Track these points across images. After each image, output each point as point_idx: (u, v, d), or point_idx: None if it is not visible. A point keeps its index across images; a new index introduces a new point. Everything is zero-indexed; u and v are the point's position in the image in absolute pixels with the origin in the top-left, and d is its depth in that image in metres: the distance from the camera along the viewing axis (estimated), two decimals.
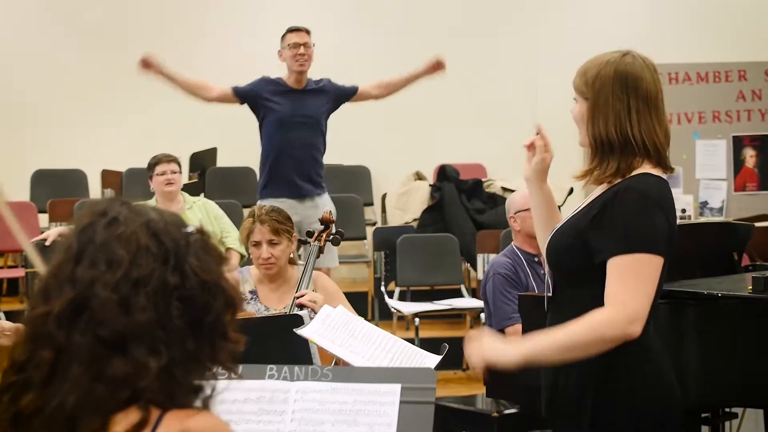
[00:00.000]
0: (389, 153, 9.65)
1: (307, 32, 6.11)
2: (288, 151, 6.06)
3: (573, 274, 2.59)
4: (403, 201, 8.91)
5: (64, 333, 1.41)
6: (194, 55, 9.55)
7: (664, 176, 2.59)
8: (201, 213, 6.28)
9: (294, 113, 6.06)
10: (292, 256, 4.30)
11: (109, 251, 1.43)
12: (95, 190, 8.92)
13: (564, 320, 2.54)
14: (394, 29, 9.77)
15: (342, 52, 9.56)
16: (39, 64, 9.36)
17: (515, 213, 4.93)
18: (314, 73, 6.30)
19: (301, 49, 6.03)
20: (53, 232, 5.61)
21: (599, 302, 2.46)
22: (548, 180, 2.78)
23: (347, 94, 6.28)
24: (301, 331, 3.24)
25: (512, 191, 8.84)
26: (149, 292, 1.42)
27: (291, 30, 6.10)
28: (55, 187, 8.72)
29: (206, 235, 1.53)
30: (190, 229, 1.52)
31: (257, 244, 4.18)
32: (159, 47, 9.51)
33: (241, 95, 6.11)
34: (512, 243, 4.94)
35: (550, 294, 2.69)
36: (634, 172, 2.54)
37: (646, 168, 2.55)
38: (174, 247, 1.47)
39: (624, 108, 2.54)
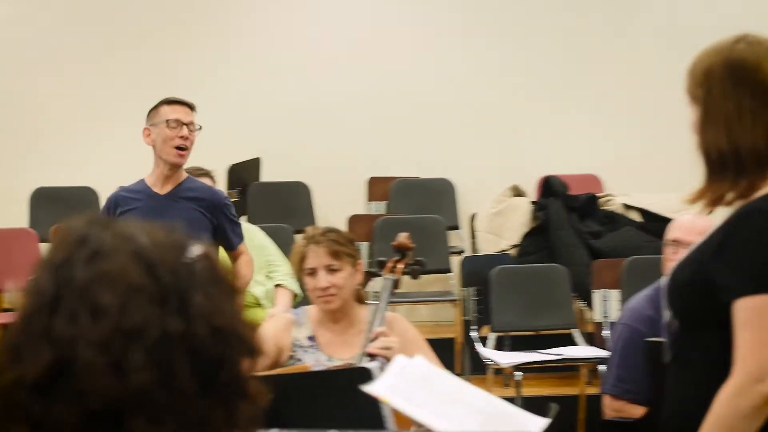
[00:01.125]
0: (479, 163, 9.66)
1: (191, 107, 5.41)
2: None
3: (694, 315, 2.62)
4: (497, 223, 8.89)
5: (41, 405, 1.35)
6: (221, 60, 9.73)
7: None
8: None
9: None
10: (359, 289, 4.32)
11: (92, 297, 1.37)
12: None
13: (687, 377, 2.60)
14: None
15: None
16: (42, 68, 9.61)
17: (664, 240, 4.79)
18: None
19: (184, 131, 5.28)
20: None
21: (725, 351, 2.51)
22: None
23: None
24: (370, 388, 3.23)
25: (637, 209, 8.79)
26: (147, 347, 1.36)
27: (168, 102, 5.36)
28: (59, 209, 8.84)
29: (213, 260, 1.47)
30: (193, 252, 1.45)
31: (312, 272, 4.19)
32: (175, 52, 9.69)
33: None
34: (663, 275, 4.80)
35: (669, 343, 2.71)
36: (766, 190, 2.55)
37: None
38: (174, 283, 1.40)
39: (735, 109, 2.55)
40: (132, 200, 5.34)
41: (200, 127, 5.37)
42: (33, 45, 9.58)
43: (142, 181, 5.42)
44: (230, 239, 5.50)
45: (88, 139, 9.58)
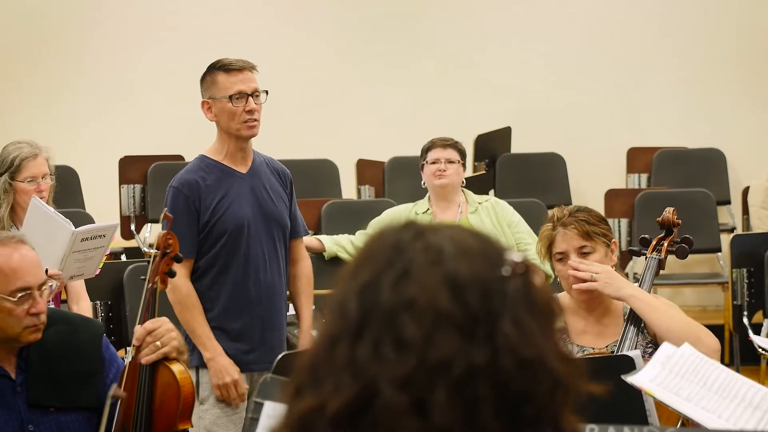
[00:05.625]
0: (753, 130, 9.47)
1: (252, 69, 5.00)
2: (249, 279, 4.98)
3: None
4: None
5: None
6: None
7: None
8: (489, 218, 6.34)
9: (259, 211, 5.00)
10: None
11: (397, 327, 1.39)
12: (349, 186, 9.18)
13: None
14: None
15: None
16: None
17: None
18: None
19: (251, 103, 4.90)
20: None
21: None
22: None
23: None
24: (631, 379, 3.22)
25: None
26: (451, 383, 1.37)
27: (228, 69, 4.93)
28: (298, 183, 9.01)
29: (530, 276, 1.45)
30: (508, 267, 1.42)
31: (563, 257, 4.13)
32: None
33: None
34: None
35: None
36: None
37: None
38: (483, 309, 1.39)
39: None
40: (215, 185, 4.94)
41: (267, 92, 4.98)
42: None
43: (206, 158, 5.01)
44: (299, 221, 5.27)
45: (320, 113, 9.79)
